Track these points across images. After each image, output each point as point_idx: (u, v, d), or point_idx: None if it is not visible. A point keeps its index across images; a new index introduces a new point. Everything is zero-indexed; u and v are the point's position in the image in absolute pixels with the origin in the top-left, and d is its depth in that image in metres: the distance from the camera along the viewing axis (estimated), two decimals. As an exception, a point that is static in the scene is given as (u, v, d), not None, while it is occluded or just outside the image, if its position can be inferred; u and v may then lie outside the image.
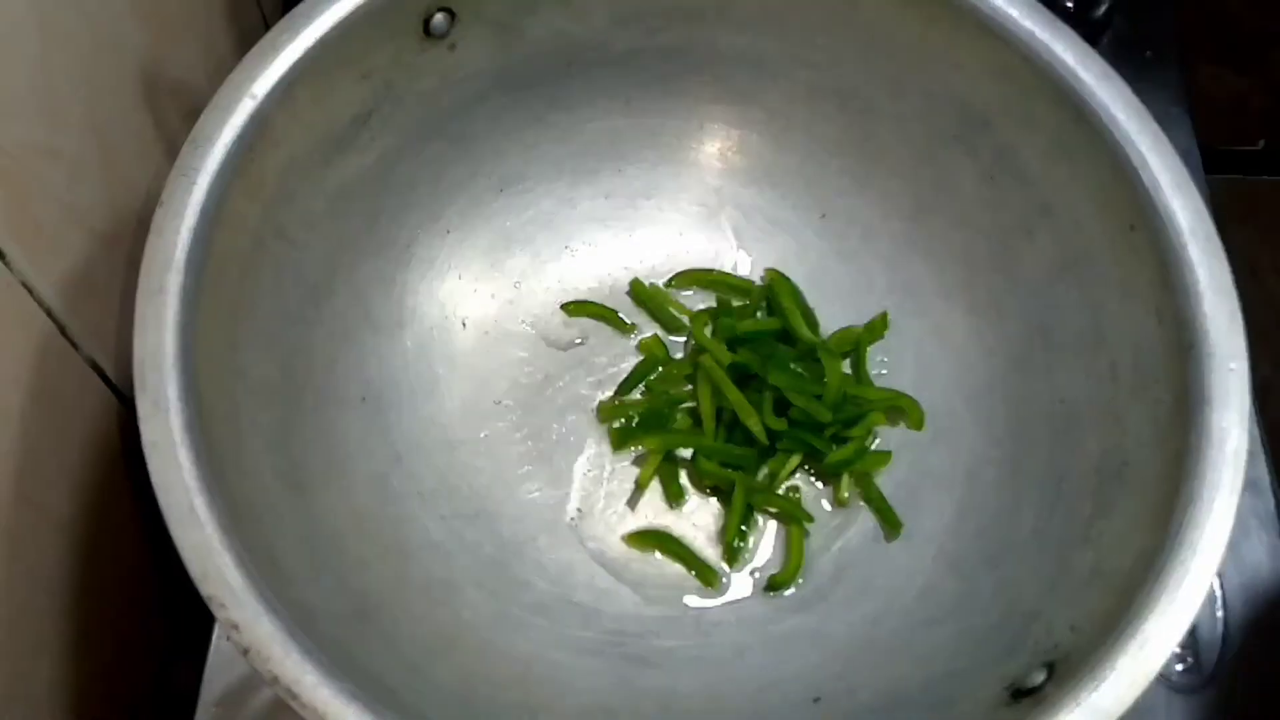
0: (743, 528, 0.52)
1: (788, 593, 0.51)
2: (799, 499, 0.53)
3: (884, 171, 0.56)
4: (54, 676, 0.48)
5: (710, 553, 0.52)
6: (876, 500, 0.52)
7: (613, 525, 0.53)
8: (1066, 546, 0.45)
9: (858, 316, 0.56)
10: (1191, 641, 0.53)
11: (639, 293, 0.57)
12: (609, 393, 0.55)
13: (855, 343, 0.55)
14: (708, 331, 0.56)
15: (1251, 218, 0.79)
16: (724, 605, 0.51)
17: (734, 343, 0.54)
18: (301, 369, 0.48)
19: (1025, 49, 0.48)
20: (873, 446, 0.54)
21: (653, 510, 0.53)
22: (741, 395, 0.52)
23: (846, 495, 0.52)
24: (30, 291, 0.44)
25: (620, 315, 0.57)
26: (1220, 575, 0.54)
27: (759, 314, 0.56)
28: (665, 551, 0.52)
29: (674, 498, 0.53)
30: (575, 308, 0.57)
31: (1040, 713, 0.38)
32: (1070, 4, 0.66)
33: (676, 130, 0.58)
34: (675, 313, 0.57)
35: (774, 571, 0.51)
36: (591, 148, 0.58)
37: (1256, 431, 0.57)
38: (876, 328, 0.55)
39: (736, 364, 0.53)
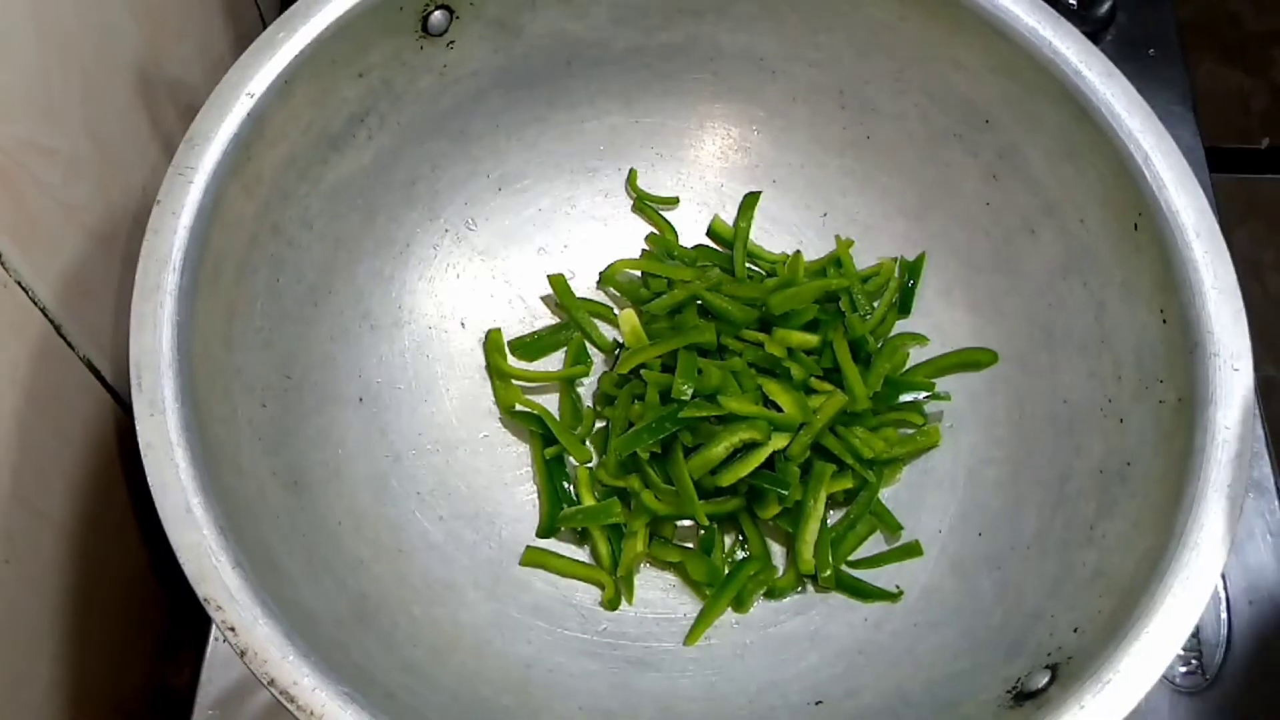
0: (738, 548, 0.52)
1: (787, 599, 0.50)
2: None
3: (885, 170, 0.56)
4: (51, 678, 0.48)
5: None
6: (876, 506, 0.52)
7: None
8: (1069, 547, 0.45)
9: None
10: (1195, 643, 0.53)
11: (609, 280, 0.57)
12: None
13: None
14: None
15: (1255, 217, 0.78)
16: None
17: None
18: (299, 369, 0.48)
19: (1027, 46, 0.48)
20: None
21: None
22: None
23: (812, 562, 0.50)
24: (26, 291, 0.44)
25: (618, 314, 0.57)
26: (1224, 576, 0.54)
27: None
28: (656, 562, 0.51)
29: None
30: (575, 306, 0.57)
31: (1043, 715, 0.38)
32: (1073, 1, 0.66)
33: (677, 129, 0.58)
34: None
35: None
36: (591, 147, 0.57)
37: (1261, 432, 0.57)
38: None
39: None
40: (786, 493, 0.48)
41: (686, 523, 0.51)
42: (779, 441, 0.49)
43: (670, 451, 0.50)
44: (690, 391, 0.49)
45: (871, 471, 0.51)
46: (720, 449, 0.48)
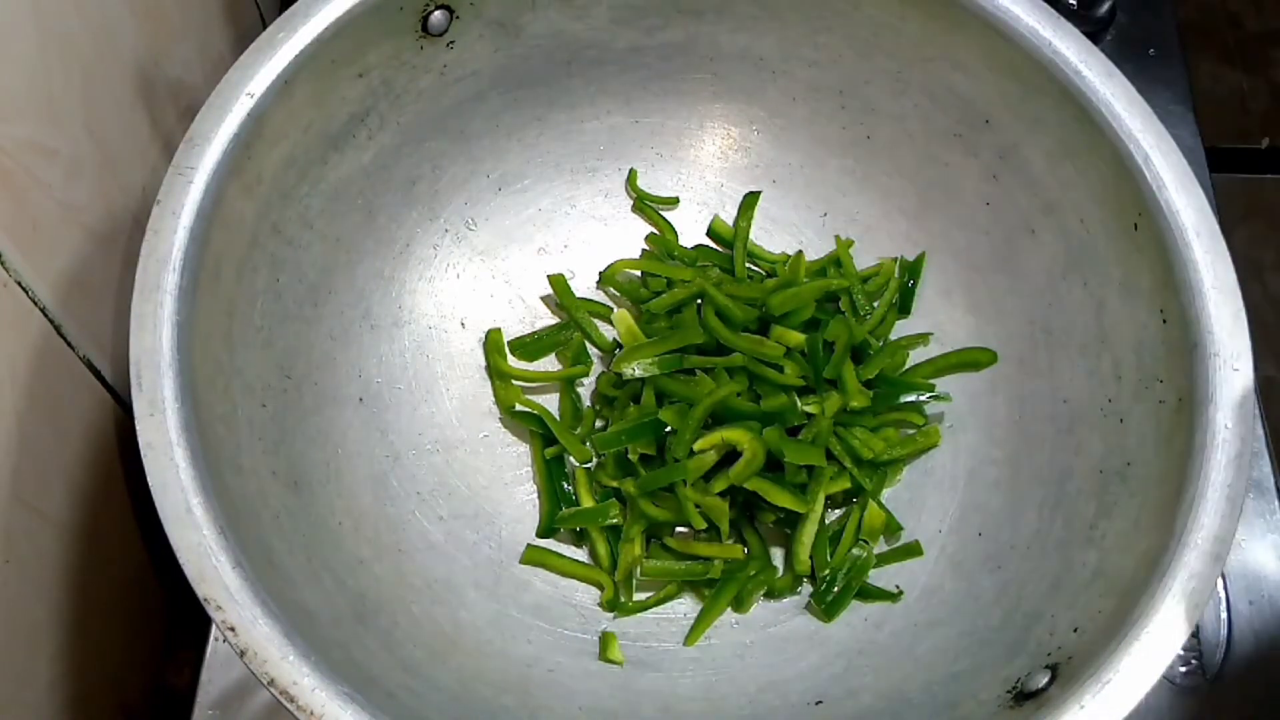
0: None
1: (787, 599, 0.50)
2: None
3: (885, 170, 0.56)
4: (51, 678, 0.48)
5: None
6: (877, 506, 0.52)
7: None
8: (1069, 547, 0.45)
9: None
10: (1195, 643, 0.53)
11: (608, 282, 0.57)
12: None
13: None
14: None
15: (1255, 217, 0.78)
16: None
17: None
18: (299, 369, 0.48)
19: (1027, 47, 0.48)
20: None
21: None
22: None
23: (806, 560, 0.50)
24: (26, 291, 0.44)
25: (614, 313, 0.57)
26: (1224, 576, 0.54)
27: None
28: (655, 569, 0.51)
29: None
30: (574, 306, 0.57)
31: (1043, 715, 0.38)
32: (1073, 1, 0.66)
33: (677, 129, 0.58)
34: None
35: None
36: (591, 147, 0.57)
37: (1261, 432, 0.57)
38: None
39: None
40: (785, 507, 0.49)
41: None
42: (757, 448, 0.48)
43: (664, 455, 0.50)
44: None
45: (868, 477, 0.51)
46: (710, 455, 0.49)
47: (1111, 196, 0.47)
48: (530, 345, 0.55)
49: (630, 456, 0.50)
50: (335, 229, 0.50)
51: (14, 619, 0.45)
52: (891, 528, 0.51)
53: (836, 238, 0.57)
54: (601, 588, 0.50)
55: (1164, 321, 0.44)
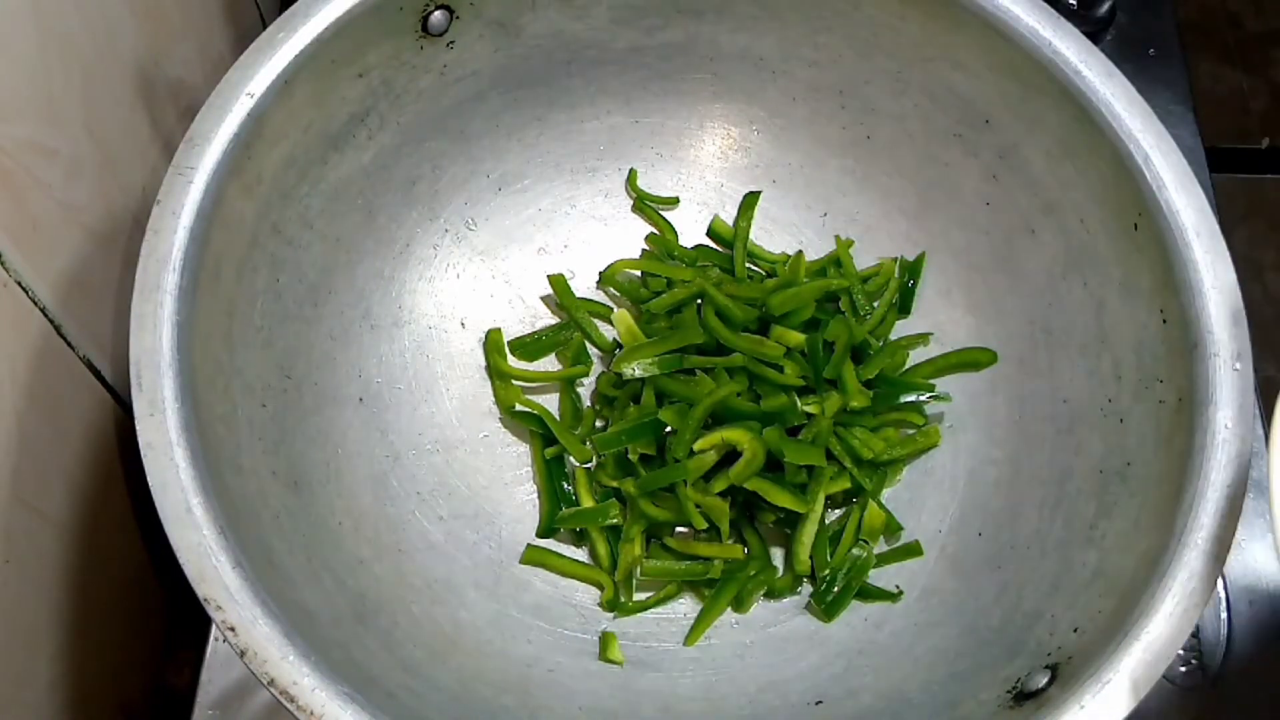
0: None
1: (787, 599, 0.50)
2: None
3: (885, 170, 0.56)
4: (51, 678, 0.48)
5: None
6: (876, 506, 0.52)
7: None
8: (1069, 547, 0.45)
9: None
10: (1195, 643, 0.53)
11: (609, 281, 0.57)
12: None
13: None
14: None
15: (1255, 217, 0.78)
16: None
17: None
18: (299, 369, 0.48)
19: (1027, 47, 0.48)
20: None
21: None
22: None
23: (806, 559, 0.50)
24: (26, 291, 0.44)
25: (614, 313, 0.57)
26: (1224, 576, 0.54)
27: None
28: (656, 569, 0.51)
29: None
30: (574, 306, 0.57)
31: (1043, 715, 0.38)
32: (1073, 1, 0.66)
33: (677, 129, 0.58)
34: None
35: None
36: (591, 147, 0.57)
37: (1261, 432, 0.57)
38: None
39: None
40: (785, 508, 0.49)
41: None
42: (757, 448, 0.48)
43: (664, 455, 0.50)
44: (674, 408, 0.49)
45: (868, 477, 0.51)
46: (710, 455, 0.49)
47: (1111, 196, 0.47)
48: (530, 345, 0.55)
49: (630, 456, 0.50)
50: (335, 229, 0.50)
51: (14, 619, 0.45)
52: (891, 528, 0.51)
53: (836, 238, 0.57)
54: (601, 588, 0.50)
55: (1164, 321, 0.44)
